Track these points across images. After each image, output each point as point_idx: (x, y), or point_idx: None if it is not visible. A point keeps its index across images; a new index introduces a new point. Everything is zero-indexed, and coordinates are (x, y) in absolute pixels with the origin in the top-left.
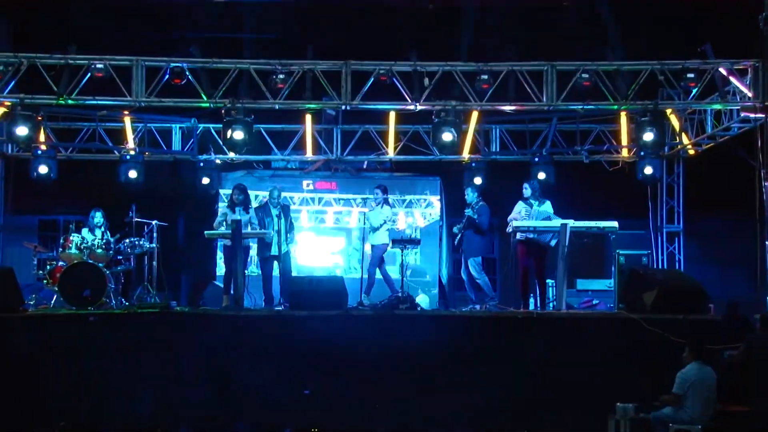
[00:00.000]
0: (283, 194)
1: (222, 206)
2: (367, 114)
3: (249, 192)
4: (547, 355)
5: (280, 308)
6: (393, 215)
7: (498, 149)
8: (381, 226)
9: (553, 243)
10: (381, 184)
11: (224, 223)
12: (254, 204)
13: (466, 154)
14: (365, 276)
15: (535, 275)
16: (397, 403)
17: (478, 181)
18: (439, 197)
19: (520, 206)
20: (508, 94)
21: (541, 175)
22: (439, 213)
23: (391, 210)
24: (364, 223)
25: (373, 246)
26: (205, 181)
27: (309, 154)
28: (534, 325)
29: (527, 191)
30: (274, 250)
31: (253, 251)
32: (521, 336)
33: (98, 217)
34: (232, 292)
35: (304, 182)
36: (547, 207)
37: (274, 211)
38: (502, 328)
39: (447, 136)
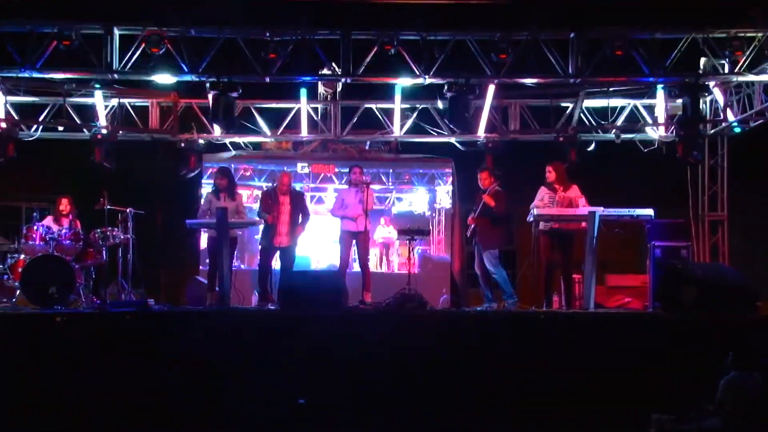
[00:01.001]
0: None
1: (206, 192)
2: (370, 89)
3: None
4: (574, 360)
5: (272, 307)
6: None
7: (518, 127)
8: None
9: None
10: (355, 164)
11: (209, 211)
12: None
13: (481, 133)
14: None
15: (559, 270)
16: (403, 414)
17: (494, 163)
18: (451, 181)
19: (542, 192)
20: (529, 66)
21: (568, 157)
22: (451, 199)
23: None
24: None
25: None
26: (187, 172)
27: (304, 133)
28: (558, 327)
29: (551, 175)
30: (278, 242)
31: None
32: (544, 338)
33: (65, 205)
34: (217, 289)
35: (299, 165)
36: (574, 192)
37: (281, 198)
38: (522, 329)
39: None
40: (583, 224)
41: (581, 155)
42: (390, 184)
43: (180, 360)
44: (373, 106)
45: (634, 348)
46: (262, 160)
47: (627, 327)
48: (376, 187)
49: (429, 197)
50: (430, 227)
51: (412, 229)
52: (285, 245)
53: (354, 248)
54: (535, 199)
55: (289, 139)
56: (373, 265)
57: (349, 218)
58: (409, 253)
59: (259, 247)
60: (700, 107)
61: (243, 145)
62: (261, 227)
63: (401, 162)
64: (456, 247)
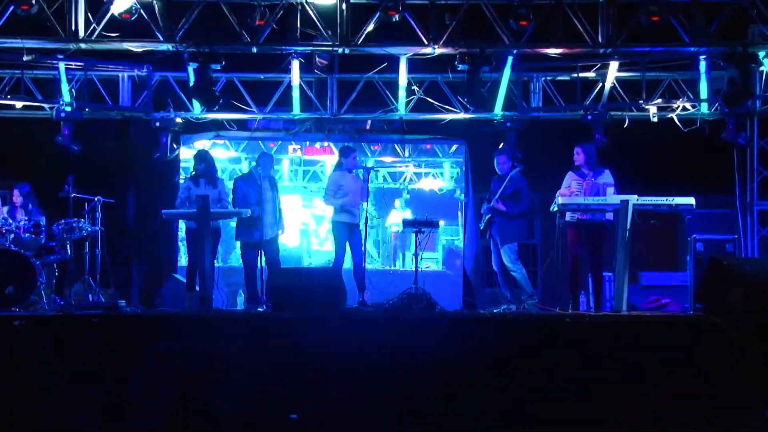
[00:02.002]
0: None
1: (185, 178)
2: (371, 60)
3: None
4: (604, 371)
5: (261, 309)
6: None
7: (540, 104)
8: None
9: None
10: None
11: (188, 199)
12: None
13: (499, 111)
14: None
15: (588, 266)
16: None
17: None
18: (464, 166)
19: (570, 178)
20: (553, 34)
21: (598, 138)
22: (465, 186)
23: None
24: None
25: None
26: (162, 155)
27: (296, 111)
28: (586, 331)
29: (580, 158)
30: (264, 234)
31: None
32: (570, 345)
33: (16, 196)
34: (197, 288)
35: (290, 147)
36: (605, 178)
37: (264, 184)
38: (545, 334)
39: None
40: (608, 215)
41: (613, 136)
42: (406, 154)
43: (155, 370)
44: (375, 78)
45: (674, 356)
46: (248, 141)
47: (665, 332)
48: (386, 159)
49: (457, 173)
50: (459, 213)
51: (419, 220)
52: (269, 238)
53: (349, 242)
54: (562, 186)
55: (279, 118)
56: (385, 261)
57: (347, 208)
58: (416, 247)
59: (239, 243)
60: (749, 81)
61: (227, 124)
62: (234, 221)
63: (407, 143)
64: (469, 241)
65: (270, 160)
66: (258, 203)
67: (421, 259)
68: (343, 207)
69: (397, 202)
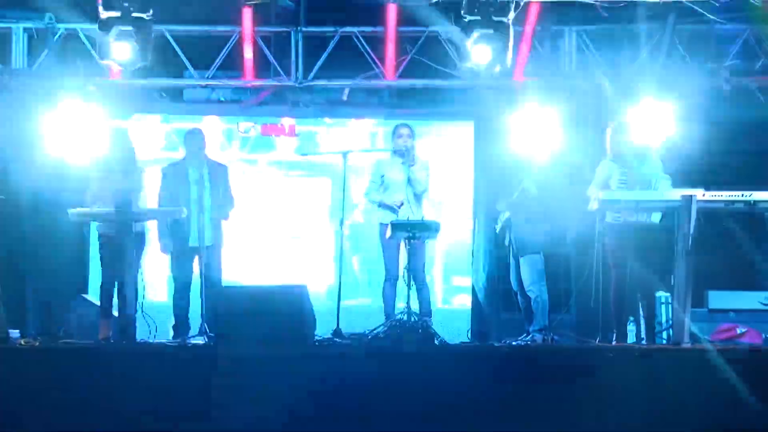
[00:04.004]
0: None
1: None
2: (349, 9)
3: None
4: (660, 422)
5: (201, 340)
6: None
7: (574, 67)
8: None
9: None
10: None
11: (101, 194)
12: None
13: (518, 77)
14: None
15: (637, 284)
16: None
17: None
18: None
19: (609, 167)
20: None
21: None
22: (473, 178)
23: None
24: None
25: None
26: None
27: (249, 77)
28: (635, 369)
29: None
30: (194, 240)
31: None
32: (614, 387)
33: None
34: (115, 313)
35: (242, 125)
36: (655, 167)
37: (193, 174)
38: (582, 375)
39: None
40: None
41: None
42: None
43: (59, 419)
44: (354, 32)
45: (756, 406)
46: (182, 115)
47: (744, 371)
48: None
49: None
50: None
51: (412, 223)
52: (207, 245)
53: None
54: (596, 174)
55: (225, 85)
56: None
57: (388, 207)
58: (409, 257)
59: (166, 252)
60: None
61: (158, 94)
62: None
63: (396, 119)
64: (480, 250)
65: (199, 140)
66: (192, 199)
67: None
68: (382, 205)
69: None
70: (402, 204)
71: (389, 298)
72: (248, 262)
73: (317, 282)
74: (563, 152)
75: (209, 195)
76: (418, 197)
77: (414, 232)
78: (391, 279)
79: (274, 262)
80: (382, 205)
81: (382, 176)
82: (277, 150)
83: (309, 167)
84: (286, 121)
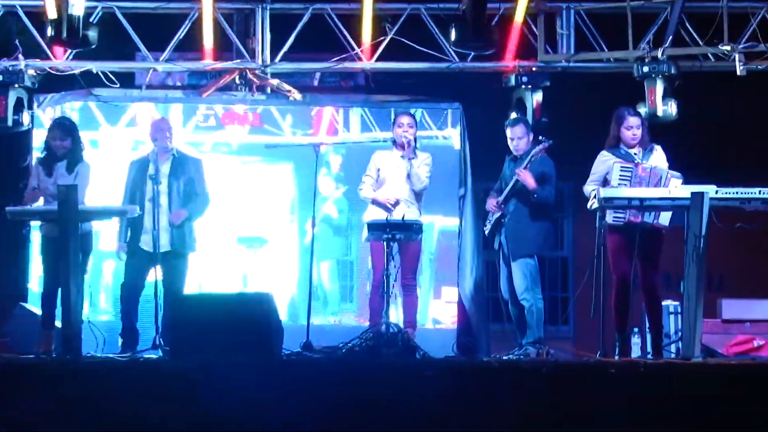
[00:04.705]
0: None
1: (38, 160)
2: None
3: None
4: None
5: (154, 354)
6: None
7: (573, 50)
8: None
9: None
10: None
11: (40, 191)
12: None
13: (510, 60)
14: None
15: (642, 291)
16: None
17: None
18: (459, 140)
19: (608, 158)
20: None
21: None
22: (460, 172)
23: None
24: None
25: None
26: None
27: (209, 59)
28: (641, 388)
29: (629, 129)
30: (147, 244)
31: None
32: (617, 408)
33: None
34: (58, 324)
35: (200, 112)
36: (658, 158)
37: (151, 169)
38: (581, 392)
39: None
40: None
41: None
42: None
43: None
44: (327, 9)
45: None
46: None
47: (761, 390)
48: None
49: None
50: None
51: (392, 222)
52: (164, 251)
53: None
54: (594, 168)
55: (183, 69)
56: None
57: (381, 204)
58: (387, 262)
59: (119, 256)
60: None
61: (104, 79)
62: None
63: (373, 106)
64: (467, 253)
65: (162, 130)
66: (147, 197)
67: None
68: (375, 203)
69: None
70: (398, 202)
71: (377, 310)
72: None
73: (277, 294)
74: (560, 142)
75: (167, 193)
76: (417, 195)
77: (393, 233)
78: (379, 287)
79: (223, 269)
80: (375, 203)
81: (378, 170)
82: (225, 130)
83: (266, 151)
84: (250, 109)
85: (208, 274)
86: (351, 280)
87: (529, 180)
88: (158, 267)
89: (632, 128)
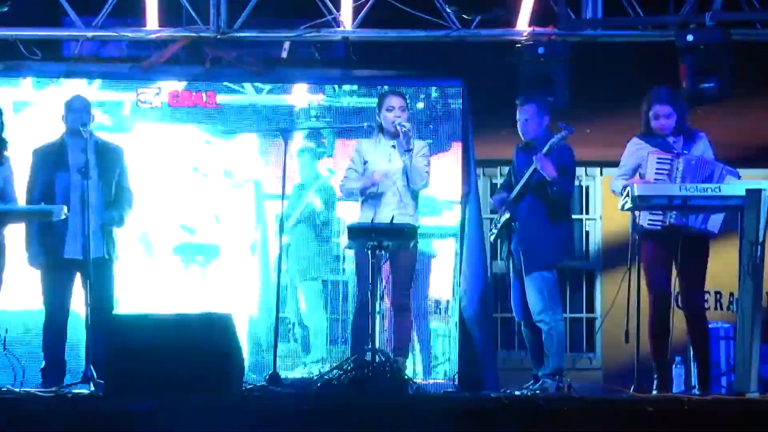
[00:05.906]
0: (98, 121)
1: None
2: None
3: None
4: None
5: (87, 389)
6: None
7: (600, 14)
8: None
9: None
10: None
11: None
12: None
13: (524, 27)
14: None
15: (684, 310)
16: None
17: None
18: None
19: (641, 147)
20: None
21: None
22: (462, 165)
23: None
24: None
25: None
26: None
27: (153, 26)
28: (685, 429)
29: (663, 112)
30: (74, 251)
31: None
32: None
33: None
34: None
35: (141, 92)
36: (705, 150)
37: (74, 159)
38: None
39: None
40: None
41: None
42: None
43: None
44: None
45: None
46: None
47: None
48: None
49: None
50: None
51: (378, 226)
52: (94, 257)
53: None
54: (623, 159)
55: (121, 37)
56: None
57: (372, 203)
58: (373, 276)
59: (34, 266)
60: None
61: (23, 49)
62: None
63: (355, 83)
64: (471, 264)
65: (81, 111)
66: (73, 195)
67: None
68: (363, 200)
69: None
70: (387, 175)
71: (360, 335)
72: (131, 284)
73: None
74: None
75: (97, 189)
76: (414, 194)
77: (380, 240)
78: (363, 308)
79: (166, 285)
80: (363, 192)
81: (365, 163)
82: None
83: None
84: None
85: (140, 290)
86: (344, 311)
87: (548, 169)
88: (84, 279)
89: (660, 118)
